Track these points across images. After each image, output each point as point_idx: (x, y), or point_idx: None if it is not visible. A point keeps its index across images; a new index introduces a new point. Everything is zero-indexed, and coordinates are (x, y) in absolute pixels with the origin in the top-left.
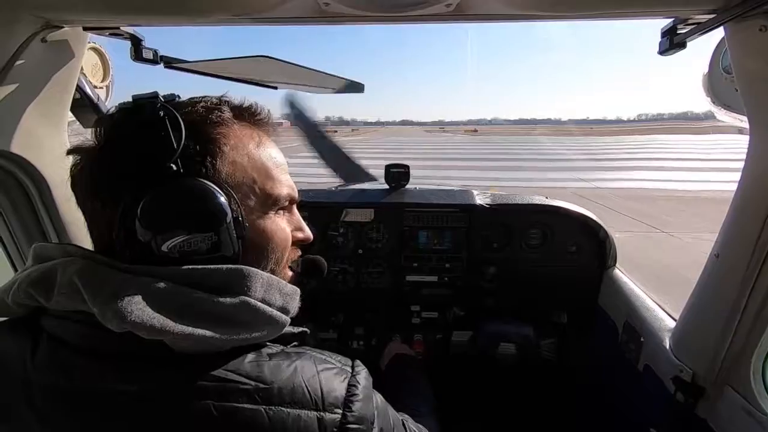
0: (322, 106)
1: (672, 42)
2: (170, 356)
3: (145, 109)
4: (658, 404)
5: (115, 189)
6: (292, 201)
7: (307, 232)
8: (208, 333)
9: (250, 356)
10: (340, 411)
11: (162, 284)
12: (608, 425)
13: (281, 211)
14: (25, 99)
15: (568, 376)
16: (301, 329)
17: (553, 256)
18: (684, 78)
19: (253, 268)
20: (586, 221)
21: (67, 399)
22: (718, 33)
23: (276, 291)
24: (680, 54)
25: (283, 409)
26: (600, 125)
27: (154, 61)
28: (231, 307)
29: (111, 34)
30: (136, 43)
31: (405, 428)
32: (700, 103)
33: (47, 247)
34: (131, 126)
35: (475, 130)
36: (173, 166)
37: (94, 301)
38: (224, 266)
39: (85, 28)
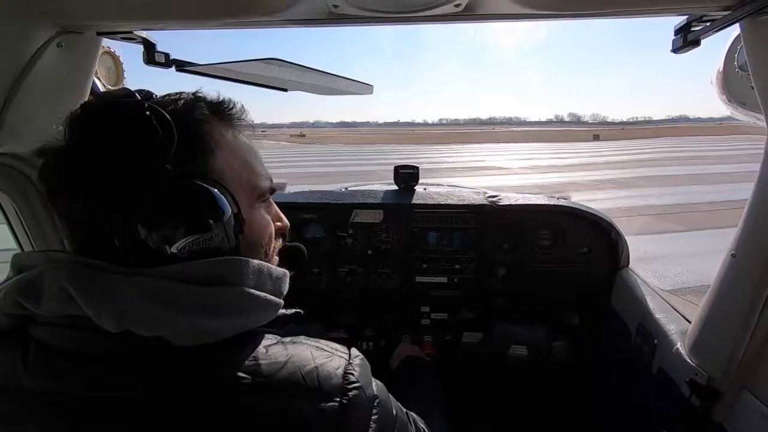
0: None
1: (686, 39)
2: (164, 355)
3: (129, 107)
4: (672, 408)
5: (108, 190)
6: (272, 191)
7: (285, 221)
8: (206, 323)
9: (247, 350)
10: (338, 399)
11: (155, 281)
12: (621, 428)
13: (263, 203)
14: (41, 102)
15: (580, 378)
16: (294, 310)
17: (564, 257)
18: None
19: (242, 258)
20: (597, 221)
21: (61, 404)
22: (732, 30)
23: (267, 276)
24: (534, 59)
25: (283, 401)
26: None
27: (166, 65)
28: (225, 297)
29: (124, 38)
30: (149, 46)
31: (409, 420)
32: (561, 109)
33: (28, 255)
34: (117, 124)
35: (303, 135)
36: (169, 166)
37: (88, 303)
38: (214, 259)
39: (99, 33)
